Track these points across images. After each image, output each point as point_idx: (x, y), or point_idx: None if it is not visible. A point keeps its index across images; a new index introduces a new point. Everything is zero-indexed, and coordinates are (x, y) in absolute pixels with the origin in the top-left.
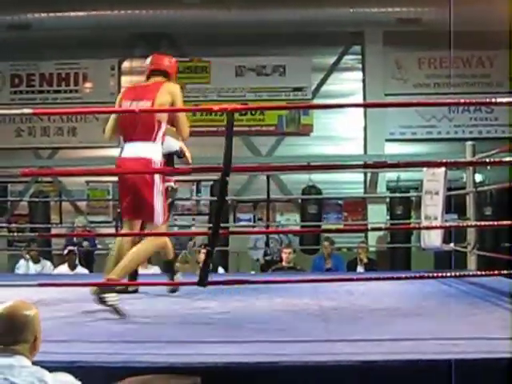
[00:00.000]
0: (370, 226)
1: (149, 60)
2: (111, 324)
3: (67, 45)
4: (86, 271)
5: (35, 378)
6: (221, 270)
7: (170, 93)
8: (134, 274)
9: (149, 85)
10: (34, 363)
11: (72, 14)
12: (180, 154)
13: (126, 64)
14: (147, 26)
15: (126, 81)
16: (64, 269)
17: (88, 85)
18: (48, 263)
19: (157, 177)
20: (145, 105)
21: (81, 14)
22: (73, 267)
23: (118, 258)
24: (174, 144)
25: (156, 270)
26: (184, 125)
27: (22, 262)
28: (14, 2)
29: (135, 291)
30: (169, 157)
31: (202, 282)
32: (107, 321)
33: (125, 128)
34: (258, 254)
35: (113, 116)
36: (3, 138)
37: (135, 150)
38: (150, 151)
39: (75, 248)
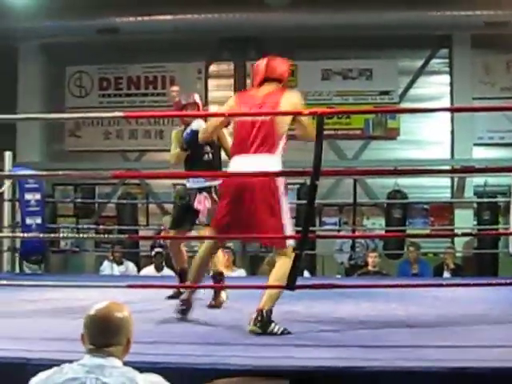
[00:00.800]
0: (458, 231)
1: (263, 64)
2: (198, 326)
3: (154, 48)
4: (172, 273)
5: (126, 379)
6: (306, 273)
7: (292, 104)
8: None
9: (269, 94)
10: (124, 364)
11: (159, 17)
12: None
13: (212, 67)
14: (234, 30)
15: (212, 84)
16: (150, 270)
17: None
18: (131, 264)
19: (281, 188)
20: (267, 117)
21: (168, 17)
22: (159, 269)
23: (201, 265)
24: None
25: (241, 272)
26: (310, 125)
27: (105, 263)
28: (102, 6)
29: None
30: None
31: (291, 285)
32: (194, 323)
33: (240, 139)
34: (342, 257)
35: (215, 122)
36: (92, 140)
37: (254, 164)
38: (272, 166)
39: (162, 250)
